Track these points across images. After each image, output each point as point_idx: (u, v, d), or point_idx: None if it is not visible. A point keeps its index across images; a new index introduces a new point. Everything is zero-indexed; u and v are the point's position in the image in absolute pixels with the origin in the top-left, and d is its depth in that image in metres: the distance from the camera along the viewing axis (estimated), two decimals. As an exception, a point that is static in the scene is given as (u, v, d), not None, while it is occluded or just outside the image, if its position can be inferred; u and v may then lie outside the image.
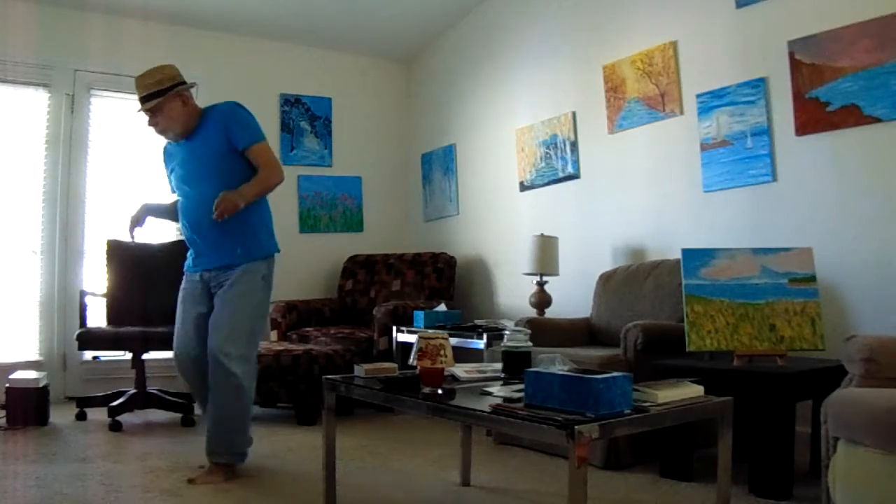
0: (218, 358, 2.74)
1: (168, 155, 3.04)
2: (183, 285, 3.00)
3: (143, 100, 2.81)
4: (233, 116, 2.86)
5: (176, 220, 3.08)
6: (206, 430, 2.87)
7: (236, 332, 2.78)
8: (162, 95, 2.79)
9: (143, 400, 3.92)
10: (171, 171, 3.01)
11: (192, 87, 2.91)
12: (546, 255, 4.26)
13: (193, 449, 3.31)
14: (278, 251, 2.99)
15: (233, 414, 2.81)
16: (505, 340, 2.50)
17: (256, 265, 2.86)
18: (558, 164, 4.62)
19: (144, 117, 2.88)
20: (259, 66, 5.51)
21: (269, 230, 2.97)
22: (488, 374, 2.46)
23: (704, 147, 3.70)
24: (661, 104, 3.94)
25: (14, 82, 4.61)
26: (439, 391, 2.17)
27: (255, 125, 2.89)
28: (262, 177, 2.81)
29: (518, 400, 1.93)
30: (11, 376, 3.82)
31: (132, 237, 2.97)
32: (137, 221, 2.98)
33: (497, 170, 5.14)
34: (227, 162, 2.83)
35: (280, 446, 3.41)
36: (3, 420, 3.71)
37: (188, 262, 2.99)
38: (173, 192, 3.05)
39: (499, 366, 2.51)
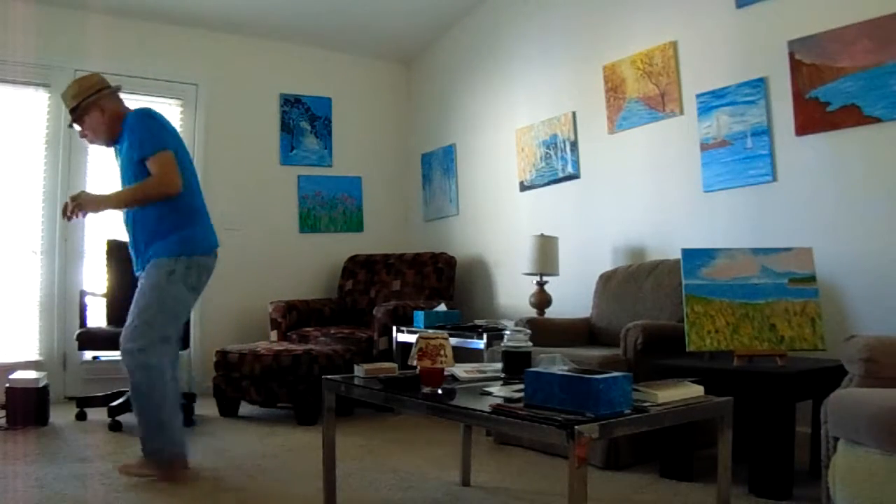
0: (122, 350, 2.73)
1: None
2: None
3: (70, 112, 2.91)
4: (138, 126, 2.82)
5: None
6: None
7: (139, 328, 2.73)
8: (78, 108, 2.86)
9: (143, 400, 3.92)
10: None
11: (116, 90, 2.93)
12: (546, 255, 4.26)
13: (193, 449, 3.31)
14: (201, 253, 2.89)
15: (136, 411, 2.74)
16: (505, 340, 2.50)
17: (163, 261, 2.80)
18: (558, 164, 4.62)
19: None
20: (259, 66, 5.51)
21: (186, 233, 2.86)
22: (488, 374, 2.45)
23: (704, 147, 3.70)
24: (661, 104, 3.94)
25: (14, 82, 4.61)
26: (439, 391, 2.16)
27: (158, 135, 2.82)
28: (145, 183, 2.76)
29: (518, 400, 1.93)
30: (11, 376, 3.82)
31: (68, 218, 2.91)
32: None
33: (497, 170, 5.14)
34: (142, 172, 2.80)
35: (280, 446, 3.41)
36: (3, 420, 3.71)
37: None
38: None
39: (499, 366, 2.51)
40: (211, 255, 2.96)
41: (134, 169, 2.81)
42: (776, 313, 2.83)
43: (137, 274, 2.96)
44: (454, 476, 2.84)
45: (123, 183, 2.90)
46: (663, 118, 3.94)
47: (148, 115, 2.87)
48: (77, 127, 2.95)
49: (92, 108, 2.87)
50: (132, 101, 4.87)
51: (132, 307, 2.80)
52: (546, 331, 3.64)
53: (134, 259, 2.97)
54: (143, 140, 2.79)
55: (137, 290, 2.85)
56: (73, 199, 2.73)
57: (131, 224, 2.91)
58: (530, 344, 2.47)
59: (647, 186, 4.04)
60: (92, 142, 2.98)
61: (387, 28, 5.55)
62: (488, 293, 5.21)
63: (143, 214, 2.85)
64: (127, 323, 2.78)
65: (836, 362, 2.45)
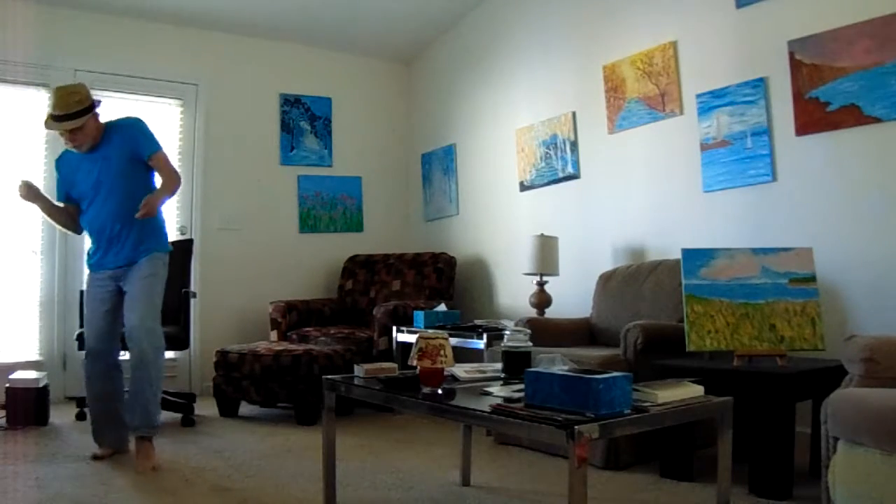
0: (138, 331, 2.99)
1: (66, 164, 3.21)
2: (88, 285, 3.22)
3: (66, 117, 2.98)
4: (138, 129, 3.19)
5: (54, 219, 3.28)
6: (125, 412, 3.10)
7: (150, 308, 3.07)
8: (86, 114, 3.02)
9: (143, 400, 3.92)
10: (70, 179, 3.19)
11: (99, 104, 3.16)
12: (546, 255, 4.26)
13: (194, 449, 3.32)
14: (171, 249, 3.30)
15: (147, 384, 3.00)
16: (505, 340, 2.50)
17: (159, 255, 3.18)
18: (558, 164, 4.62)
19: (53, 132, 3.14)
20: (259, 66, 5.51)
21: (166, 230, 3.30)
22: (488, 374, 2.46)
23: (704, 147, 3.70)
24: (661, 104, 3.94)
25: (14, 82, 4.61)
26: (439, 391, 2.17)
27: (155, 137, 3.22)
28: (166, 183, 3.14)
29: (518, 400, 1.93)
30: (11, 376, 3.82)
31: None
32: (28, 196, 3.16)
33: (497, 170, 5.14)
34: (132, 171, 3.13)
35: (280, 446, 3.41)
36: (3, 420, 3.71)
37: (93, 261, 3.20)
38: (60, 200, 3.24)
39: (499, 366, 2.51)
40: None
41: (126, 172, 3.11)
42: (776, 313, 2.83)
43: (104, 271, 3.12)
44: (454, 476, 2.84)
45: (112, 181, 3.10)
46: (663, 118, 3.94)
47: (141, 120, 3.25)
48: (64, 127, 3.00)
49: (94, 116, 3.08)
50: (132, 102, 4.95)
51: (140, 293, 3.06)
52: (546, 331, 3.64)
53: (103, 252, 3.14)
54: (147, 139, 3.17)
55: (139, 278, 3.08)
56: (145, 205, 2.97)
57: (113, 220, 3.09)
58: (530, 344, 2.47)
59: (647, 186, 4.04)
60: (77, 146, 3.09)
61: (387, 28, 5.55)
62: (488, 293, 5.21)
63: (134, 212, 3.01)
64: (140, 307, 3.03)
65: (836, 362, 2.45)
